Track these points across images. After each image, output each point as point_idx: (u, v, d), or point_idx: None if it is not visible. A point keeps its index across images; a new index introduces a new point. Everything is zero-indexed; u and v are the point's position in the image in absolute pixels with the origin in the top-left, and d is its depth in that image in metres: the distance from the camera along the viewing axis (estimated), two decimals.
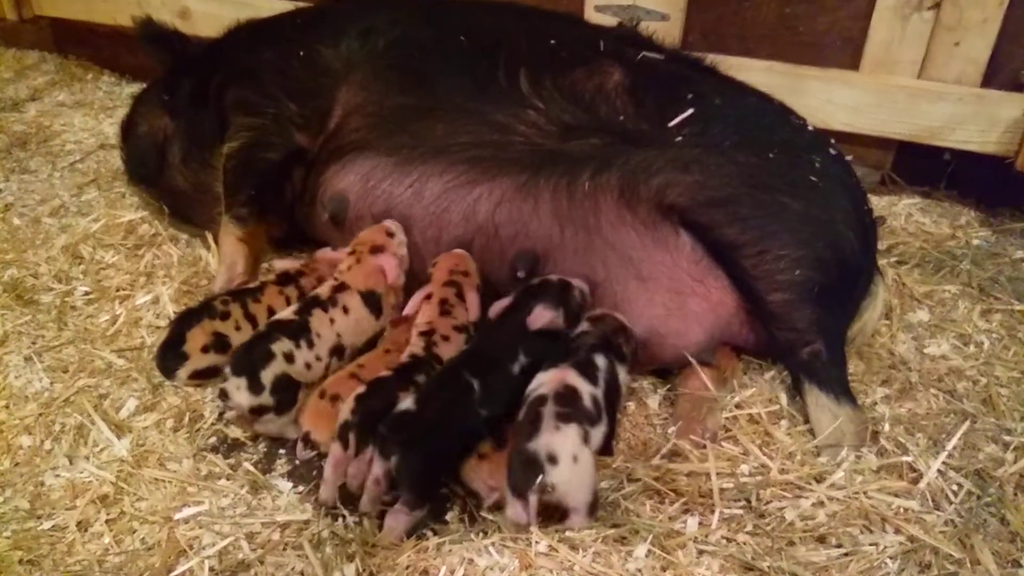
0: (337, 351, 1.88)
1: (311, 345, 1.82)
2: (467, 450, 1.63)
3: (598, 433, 1.61)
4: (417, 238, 2.11)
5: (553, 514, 1.54)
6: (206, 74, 2.40)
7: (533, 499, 1.49)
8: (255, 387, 1.72)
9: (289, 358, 1.77)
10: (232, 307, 1.96)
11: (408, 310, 1.95)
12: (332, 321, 1.88)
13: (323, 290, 1.94)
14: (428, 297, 1.93)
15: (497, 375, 1.70)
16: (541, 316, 1.80)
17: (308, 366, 1.81)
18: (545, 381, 1.65)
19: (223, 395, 1.76)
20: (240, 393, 1.72)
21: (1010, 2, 2.44)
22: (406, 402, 1.61)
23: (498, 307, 1.88)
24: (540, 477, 1.48)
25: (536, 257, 2.00)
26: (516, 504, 1.51)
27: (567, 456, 1.51)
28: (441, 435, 1.59)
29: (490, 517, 1.61)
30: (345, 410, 1.62)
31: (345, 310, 1.91)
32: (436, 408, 1.59)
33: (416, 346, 1.82)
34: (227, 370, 1.75)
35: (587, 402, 1.62)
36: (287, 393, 1.76)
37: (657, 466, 1.70)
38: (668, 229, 1.95)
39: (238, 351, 1.79)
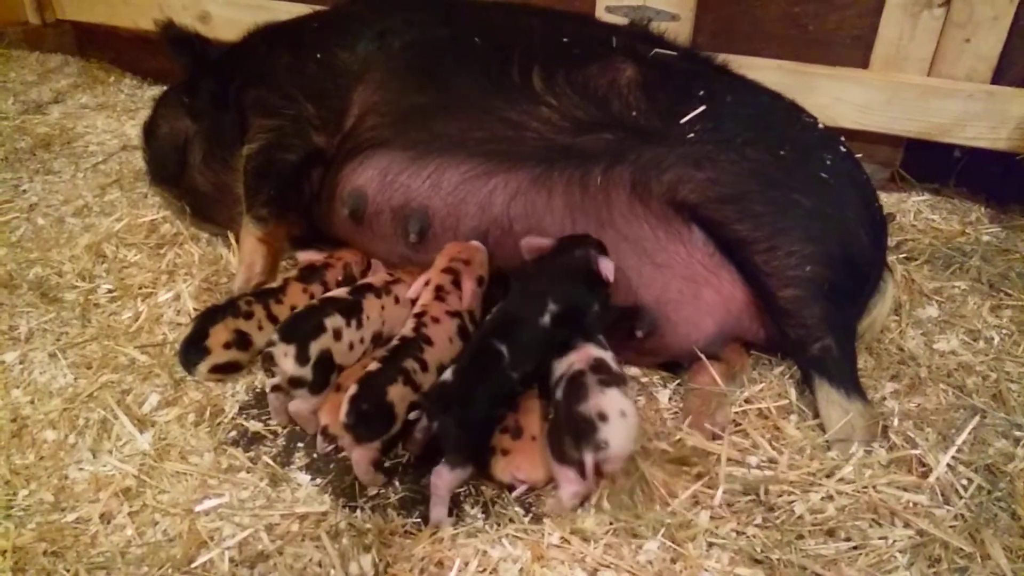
0: (376, 338, 1.91)
1: (360, 325, 1.86)
2: (505, 411, 1.70)
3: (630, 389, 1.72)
4: (436, 229, 2.13)
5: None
6: (226, 77, 2.43)
7: (589, 458, 1.55)
8: (302, 357, 1.73)
9: (338, 334, 1.80)
10: (255, 307, 2.00)
11: (411, 294, 1.98)
12: (383, 308, 1.92)
13: (376, 280, 1.99)
14: (428, 283, 1.96)
15: (524, 333, 1.74)
16: (609, 266, 1.83)
17: (351, 346, 1.83)
18: (574, 360, 1.71)
19: (268, 359, 1.77)
20: (287, 360, 1.73)
21: None
22: (445, 373, 1.68)
23: (534, 244, 1.90)
24: (595, 434, 1.55)
25: None
26: (567, 472, 1.58)
27: (615, 413, 1.59)
28: (475, 401, 1.63)
29: (504, 511, 1.63)
30: (342, 412, 1.64)
31: (396, 300, 1.96)
32: (469, 378, 1.65)
33: (407, 328, 1.85)
34: (275, 336, 1.76)
35: (615, 367, 1.70)
36: (324, 372, 1.78)
37: (668, 460, 1.71)
38: (680, 223, 1.97)
39: (289, 320, 1.83)
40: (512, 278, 1.92)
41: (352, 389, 1.66)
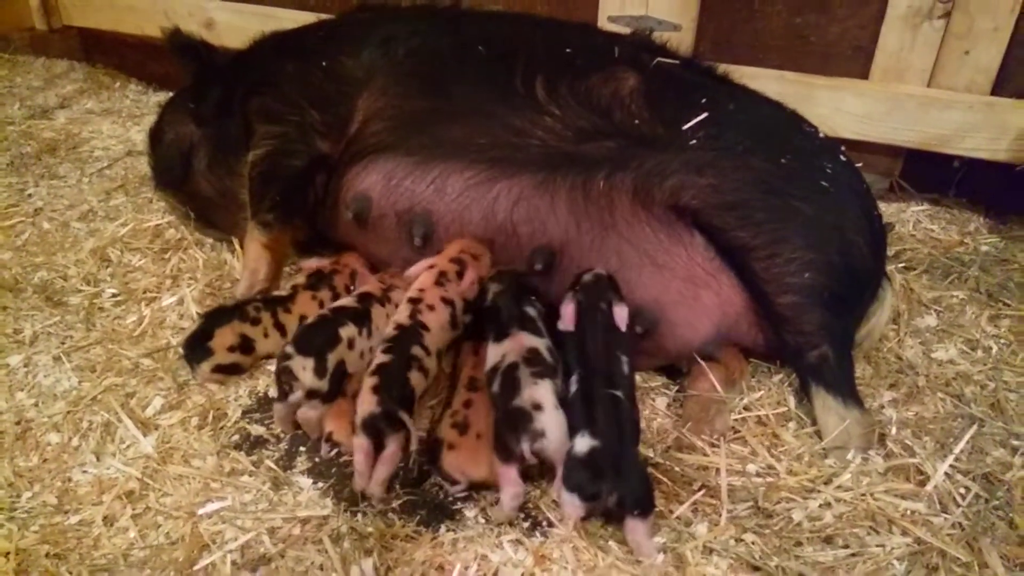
0: None
1: (370, 334, 1.86)
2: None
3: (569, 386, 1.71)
4: (440, 233, 2.14)
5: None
6: (232, 83, 2.45)
7: (525, 446, 1.55)
8: (321, 369, 1.74)
9: (351, 344, 1.80)
10: (263, 315, 2.01)
11: (411, 272, 1.99)
12: (387, 316, 1.93)
13: (374, 288, 2.00)
14: (432, 267, 1.97)
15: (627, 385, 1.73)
16: (623, 313, 1.83)
17: (362, 355, 1.83)
18: (507, 351, 1.73)
19: (285, 373, 1.75)
20: (306, 374, 1.73)
21: (1021, 10, 2.46)
22: (585, 442, 1.57)
23: (568, 317, 1.83)
24: (531, 424, 1.56)
25: (553, 252, 2.04)
26: (509, 473, 1.57)
27: (550, 404, 1.60)
28: (628, 451, 1.59)
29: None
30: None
31: (396, 307, 1.96)
32: (612, 435, 1.59)
33: (402, 314, 1.85)
34: (291, 348, 1.75)
35: (547, 356, 1.73)
36: (339, 382, 1.78)
37: (667, 467, 1.73)
38: (682, 228, 1.98)
39: (303, 332, 1.82)
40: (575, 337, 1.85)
41: (373, 380, 1.67)
